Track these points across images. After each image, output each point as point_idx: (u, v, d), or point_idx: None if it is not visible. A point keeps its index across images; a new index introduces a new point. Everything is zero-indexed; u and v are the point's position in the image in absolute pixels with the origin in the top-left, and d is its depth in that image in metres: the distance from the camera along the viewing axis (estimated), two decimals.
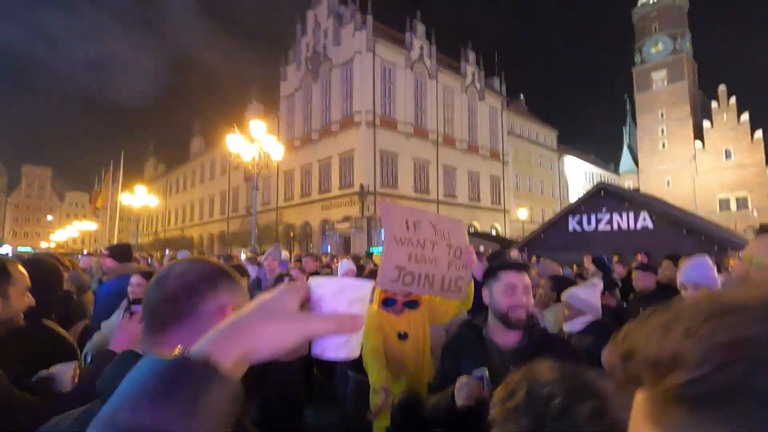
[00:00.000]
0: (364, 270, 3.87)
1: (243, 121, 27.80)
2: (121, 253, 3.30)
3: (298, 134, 30.76)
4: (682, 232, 8.75)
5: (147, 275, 2.66)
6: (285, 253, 7.29)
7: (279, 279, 3.39)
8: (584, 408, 0.74)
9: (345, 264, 3.58)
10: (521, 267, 1.75)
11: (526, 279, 1.69)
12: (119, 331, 1.49)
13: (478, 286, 1.89)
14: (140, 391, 0.36)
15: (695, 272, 2.27)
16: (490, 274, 1.73)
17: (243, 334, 0.41)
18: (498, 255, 4.14)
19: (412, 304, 2.39)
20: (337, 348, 0.46)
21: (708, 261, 2.32)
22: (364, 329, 0.47)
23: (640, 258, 5.82)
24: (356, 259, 8.15)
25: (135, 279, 2.52)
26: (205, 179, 44.17)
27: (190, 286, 0.82)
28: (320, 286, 0.47)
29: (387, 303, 2.38)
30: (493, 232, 32.07)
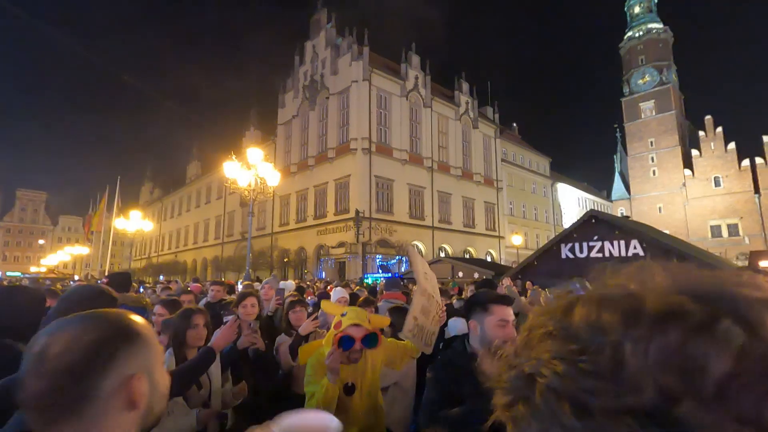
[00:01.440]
0: (358, 298, 3.88)
1: (240, 147, 28.15)
2: (121, 282, 3.31)
3: (295, 160, 31.10)
4: (673, 260, 8.83)
5: (168, 304, 2.77)
6: (291, 282, 7.32)
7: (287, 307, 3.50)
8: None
9: (338, 292, 3.61)
10: (510, 301, 1.79)
11: (511, 313, 1.75)
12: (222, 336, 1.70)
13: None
14: None
15: None
16: (481, 306, 1.74)
17: None
18: (487, 283, 4.18)
19: (372, 341, 2.00)
20: None
21: None
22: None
23: None
24: (347, 286, 8.16)
25: (158, 309, 2.67)
26: (201, 204, 44.19)
27: (77, 369, 0.61)
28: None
29: (343, 344, 1.96)
30: (489, 258, 32.10)
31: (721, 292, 0.25)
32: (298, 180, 30.12)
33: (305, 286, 7.91)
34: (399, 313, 2.90)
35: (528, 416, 0.27)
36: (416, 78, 29.75)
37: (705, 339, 0.23)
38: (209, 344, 2.02)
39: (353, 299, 3.98)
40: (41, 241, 71.89)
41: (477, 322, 1.73)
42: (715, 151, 43.33)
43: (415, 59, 30.11)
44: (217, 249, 38.29)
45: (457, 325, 3.23)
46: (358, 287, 8.00)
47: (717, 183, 43.20)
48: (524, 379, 0.28)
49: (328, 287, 9.48)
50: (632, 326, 0.24)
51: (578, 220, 11.55)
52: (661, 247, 9.88)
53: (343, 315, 2.06)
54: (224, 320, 2.17)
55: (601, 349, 0.25)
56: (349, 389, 2.03)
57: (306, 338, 2.89)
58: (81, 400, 0.61)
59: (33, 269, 50.52)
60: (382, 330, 2.36)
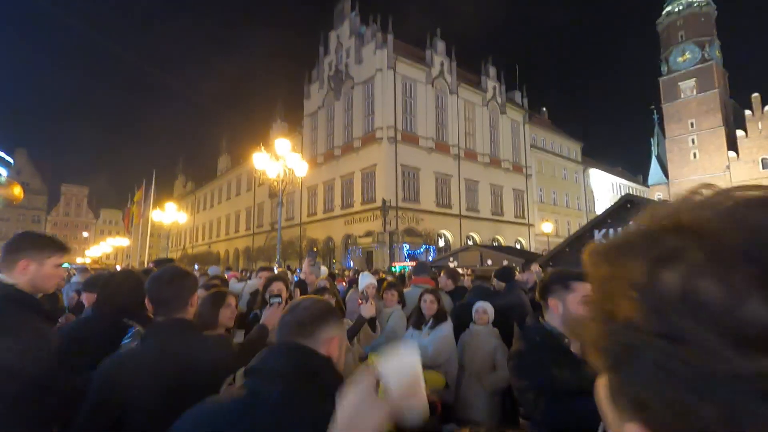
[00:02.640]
0: (384, 282, 3.91)
1: (268, 139, 28.61)
2: None
3: (321, 151, 31.36)
4: None
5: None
6: (324, 269, 7.50)
7: (318, 291, 3.49)
8: None
9: (366, 276, 3.66)
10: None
11: None
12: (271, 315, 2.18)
13: None
14: None
15: None
16: (561, 284, 1.65)
17: (362, 424, 0.67)
18: (506, 271, 4.10)
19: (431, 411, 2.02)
20: (412, 416, 0.68)
21: None
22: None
23: None
24: (376, 273, 8.25)
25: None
26: (231, 196, 45.37)
27: (315, 317, 1.14)
28: (385, 371, 0.66)
29: None
30: (518, 246, 31.55)
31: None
32: (325, 170, 30.39)
33: (337, 273, 8.05)
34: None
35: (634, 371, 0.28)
36: (442, 64, 29.25)
37: None
38: (261, 322, 2.24)
39: (381, 285, 4.02)
40: (85, 234, 75.93)
41: (558, 300, 1.65)
42: (763, 131, 40.73)
43: (441, 45, 29.56)
44: (248, 239, 39.32)
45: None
46: (385, 276, 8.06)
47: (765, 165, 40.67)
48: (623, 347, 0.29)
49: (357, 274, 9.59)
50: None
51: (613, 205, 11.12)
52: None
53: None
54: (270, 302, 2.37)
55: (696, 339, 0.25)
56: None
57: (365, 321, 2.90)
58: (308, 335, 1.11)
59: (79, 260, 53.52)
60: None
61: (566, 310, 1.61)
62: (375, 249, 24.93)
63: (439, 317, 3.05)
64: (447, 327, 3.00)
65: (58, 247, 1.67)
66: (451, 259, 16.13)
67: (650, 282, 0.28)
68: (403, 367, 0.68)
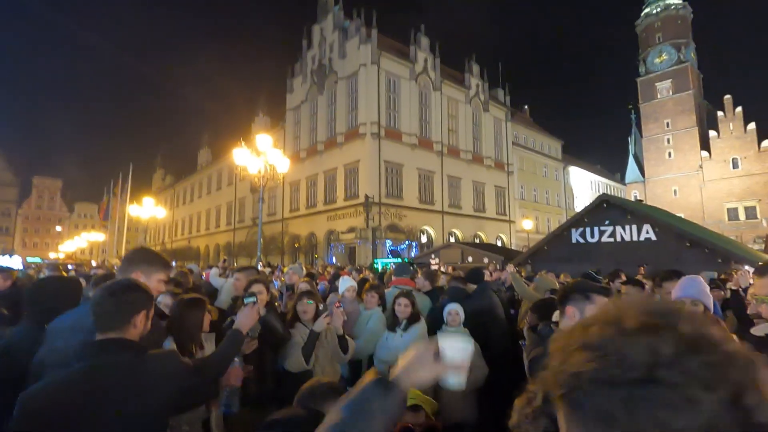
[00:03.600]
0: (366, 283, 3.92)
1: (250, 133, 28.14)
2: None
3: (304, 146, 31.08)
4: (686, 244, 8.74)
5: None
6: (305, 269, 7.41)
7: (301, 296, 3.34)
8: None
9: (346, 280, 3.63)
10: (608, 292, 1.79)
11: None
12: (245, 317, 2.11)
13: None
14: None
15: (692, 289, 2.35)
16: (583, 294, 1.75)
17: (413, 374, 0.83)
18: (476, 273, 4.19)
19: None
20: (453, 381, 0.87)
21: (700, 279, 2.41)
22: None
23: (643, 271, 5.83)
24: (359, 270, 8.24)
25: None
26: (212, 190, 44.60)
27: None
28: (444, 344, 0.87)
29: None
30: (499, 243, 31.99)
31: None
32: (308, 166, 30.15)
33: (317, 273, 7.99)
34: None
35: (578, 398, 0.45)
36: (425, 61, 29.27)
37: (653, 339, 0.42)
38: (234, 326, 2.06)
39: (362, 285, 4.02)
40: (58, 228, 73.54)
41: (577, 309, 1.73)
42: (734, 132, 42.14)
43: (425, 41, 29.57)
44: (229, 235, 38.78)
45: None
46: (368, 272, 8.07)
47: (735, 165, 42.13)
48: (571, 376, 0.45)
49: (341, 272, 9.59)
50: (625, 335, 0.44)
51: (589, 205, 11.39)
52: (673, 231, 9.72)
53: None
54: (245, 303, 2.21)
55: (612, 351, 0.44)
56: None
57: (318, 336, 2.75)
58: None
59: (52, 255, 51.85)
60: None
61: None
62: (358, 245, 24.93)
63: (412, 319, 3.09)
64: (420, 328, 3.04)
65: (163, 264, 1.92)
66: (433, 256, 16.27)
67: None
68: (458, 346, 0.87)
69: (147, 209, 21.77)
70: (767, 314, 1.34)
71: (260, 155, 11.44)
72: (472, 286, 3.92)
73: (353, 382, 2.51)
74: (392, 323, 3.18)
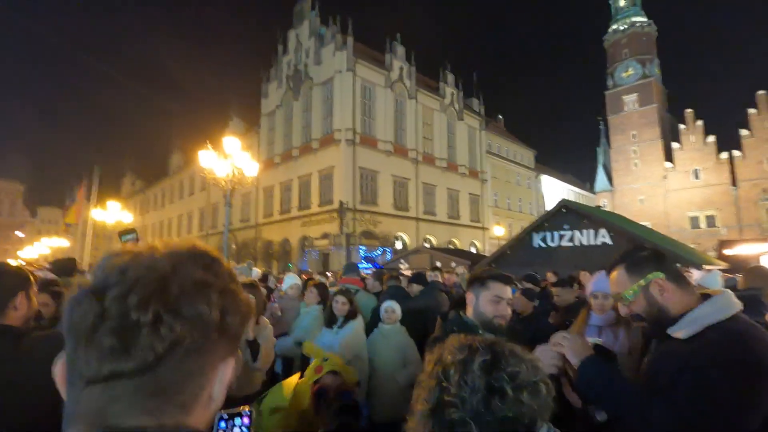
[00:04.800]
0: (309, 282, 3.92)
1: (223, 138, 27.60)
2: (64, 267, 3.28)
3: (279, 151, 30.81)
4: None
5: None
6: (257, 271, 7.26)
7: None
8: (477, 362, 0.79)
9: (290, 278, 3.63)
10: (508, 280, 1.83)
11: (509, 292, 1.80)
12: None
13: None
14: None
15: (602, 283, 2.45)
16: (479, 281, 1.81)
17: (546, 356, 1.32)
18: (419, 275, 4.33)
19: (347, 396, 2.21)
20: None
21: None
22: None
23: (550, 275, 6.14)
24: (334, 274, 8.21)
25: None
26: (184, 195, 43.59)
27: None
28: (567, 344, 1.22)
29: (319, 396, 2.13)
30: (473, 250, 32.38)
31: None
32: (282, 171, 29.89)
33: (272, 274, 7.89)
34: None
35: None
36: (401, 69, 29.60)
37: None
38: None
39: (305, 284, 4.02)
40: (20, 234, 70.24)
41: (473, 296, 1.79)
42: (695, 143, 44.19)
43: (400, 50, 29.93)
44: (202, 241, 37.62)
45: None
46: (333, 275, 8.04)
47: (696, 175, 44.14)
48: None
49: (310, 281, 9.51)
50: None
51: (550, 211, 11.75)
52: (627, 235, 10.13)
53: (325, 360, 2.25)
54: None
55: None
56: None
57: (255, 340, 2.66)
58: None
59: (11, 262, 49.34)
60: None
61: (478, 304, 1.77)
62: (332, 251, 24.77)
63: (349, 316, 3.11)
64: (356, 324, 3.07)
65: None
66: (402, 261, 16.35)
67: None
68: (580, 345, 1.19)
69: (112, 214, 21.04)
70: (623, 311, 1.41)
71: (228, 158, 11.28)
72: (418, 287, 4.01)
73: (286, 377, 2.49)
74: (330, 320, 3.19)
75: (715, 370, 1.09)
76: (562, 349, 1.32)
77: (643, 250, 1.42)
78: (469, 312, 1.82)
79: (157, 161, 54.60)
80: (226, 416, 0.74)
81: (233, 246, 30.12)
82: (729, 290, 1.31)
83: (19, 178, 78.06)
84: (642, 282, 1.31)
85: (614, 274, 1.40)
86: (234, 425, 0.74)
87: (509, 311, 1.80)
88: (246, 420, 0.73)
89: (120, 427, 0.43)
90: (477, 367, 0.78)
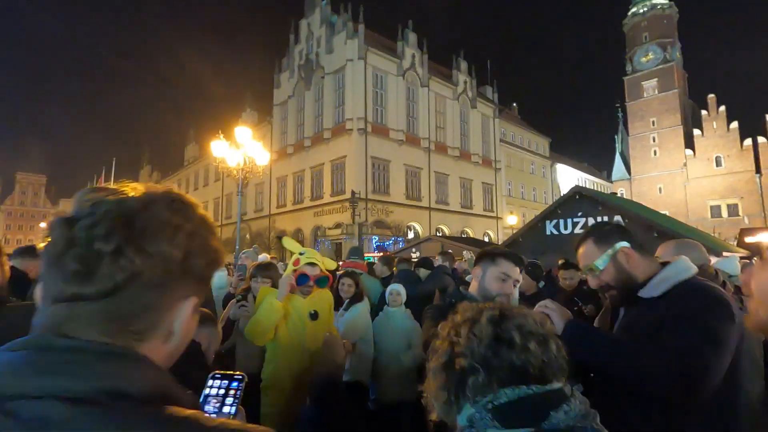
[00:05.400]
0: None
1: (235, 128, 27.78)
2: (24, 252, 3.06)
3: (291, 141, 30.91)
4: (653, 235, 8.91)
5: None
6: (265, 255, 7.33)
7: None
8: (485, 316, 0.83)
9: (247, 253, 3.68)
10: (518, 260, 1.82)
11: (518, 273, 1.78)
12: None
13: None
14: None
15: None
16: (489, 256, 1.81)
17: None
18: (426, 260, 4.33)
19: (323, 281, 2.48)
20: None
21: None
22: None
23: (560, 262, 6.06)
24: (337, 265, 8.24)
25: None
26: (199, 186, 44.22)
27: None
28: None
29: (300, 280, 2.41)
30: (486, 239, 32.17)
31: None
32: (295, 161, 30.01)
33: (282, 262, 7.96)
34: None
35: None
36: (413, 56, 29.25)
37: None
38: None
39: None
40: (42, 225, 72.40)
41: (481, 271, 1.79)
42: (717, 130, 42.85)
43: (412, 37, 29.54)
44: (217, 231, 38.46)
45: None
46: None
47: (718, 163, 42.87)
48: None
49: None
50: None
51: (562, 197, 11.56)
52: (643, 222, 9.91)
53: (301, 254, 2.45)
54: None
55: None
56: (313, 316, 2.45)
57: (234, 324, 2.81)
58: None
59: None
60: (332, 272, 2.81)
61: (484, 280, 1.76)
62: (344, 241, 24.89)
63: (355, 299, 3.12)
64: (361, 306, 3.08)
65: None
66: (414, 250, 16.34)
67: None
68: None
69: None
70: (593, 283, 1.48)
71: (240, 147, 11.37)
72: (426, 272, 4.01)
73: None
74: (336, 303, 3.21)
75: (694, 310, 1.21)
76: (548, 311, 1.38)
77: (607, 224, 1.54)
78: (473, 287, 1.82)
79: (174, 153, 55.46)
80: (219, 375, 0.76)
81: (247, 235, 30.54)
82: (685, 256, 1.43)
83: (42, 170, 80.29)
84: (610, 251, 1.39)
85: (582, 248, 1.48)
86: (223, 386, 0.76)
87: (515, 292, 1.77)
88: (237, 384, 0.74)
89: (69, 336, 0.47)
90: (485, 320, 0.82)
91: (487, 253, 1.85)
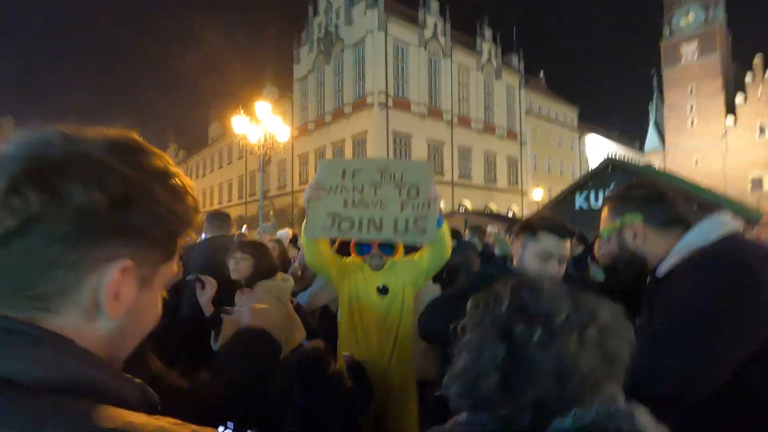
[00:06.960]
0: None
1: (255, 103, 27.80)
2: None
3: (312, 117, 30.72)
4: (693, 207, 8.39)
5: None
6: (287, 231, 7.30)
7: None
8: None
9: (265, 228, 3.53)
10: (565, 233, 1.56)
11: (567, 248, 1.55)
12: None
13: None
14: None
15: None
16: (530, 230, 1.58)
17: None
18: (453, 231, 4.08)
19: (389, 249, 2.20)
20: None
21: None
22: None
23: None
24: None
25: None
26: (223, 164, 44.88)
27: None
28: None
29: (360, 250, 2.17)
30: (510, 214, 31.58)
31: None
32: (316, 138, 29.89)
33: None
34: None
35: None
36: (435, 25, 28.20)
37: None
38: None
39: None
40: None
41: (521, 246, 1.58)
42: (762, 96, 40.02)
43: (434, 5, 28.41)
44: (241, 208, 39.18)
45: None
46: None
47: (762, 131, 40.25)
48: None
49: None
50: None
51: (595, 168, 11.00)
52: (683, 193, 9.32)
53: None
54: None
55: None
56: (381, 290, 2.15)
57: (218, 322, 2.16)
58: None
59: None
60: None
61: (523, 257, 1.56)
62: None
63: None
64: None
65: None
66: None
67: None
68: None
69: None
70: (600, 257, 1.30)
71: (260, 123, 11.31)
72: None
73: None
74: None
75: (686, 289, 0.99)
76: None
77: (636, 188, 1.26)
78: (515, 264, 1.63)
79: (197, 132, 56.25)
80: (232, 427, 0.68)
81: (270, 212, 30.95)
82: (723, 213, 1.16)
83: None
84: (617, 224, 1.19)
85: (603, 211, 1.28)
86: None
87: (560, 272, 1.53)
88: None
89: None
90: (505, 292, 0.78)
91: (527, 224, 1.63)
